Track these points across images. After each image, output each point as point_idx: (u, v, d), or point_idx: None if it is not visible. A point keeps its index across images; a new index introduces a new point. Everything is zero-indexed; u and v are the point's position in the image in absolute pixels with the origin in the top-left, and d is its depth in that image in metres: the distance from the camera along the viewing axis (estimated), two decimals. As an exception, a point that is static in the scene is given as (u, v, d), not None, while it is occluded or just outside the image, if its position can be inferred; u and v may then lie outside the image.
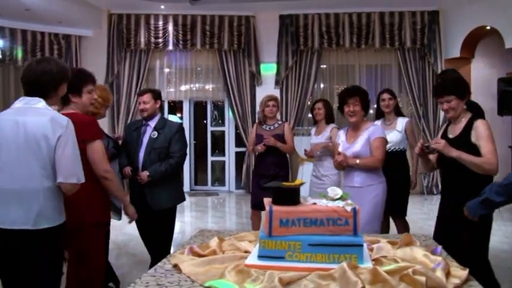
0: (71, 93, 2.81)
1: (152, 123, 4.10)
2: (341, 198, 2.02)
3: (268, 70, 9.75)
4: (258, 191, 5.00)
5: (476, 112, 3.67)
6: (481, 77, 9.41)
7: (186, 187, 9.89)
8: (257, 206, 5.07)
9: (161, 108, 9.80)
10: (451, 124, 3.20)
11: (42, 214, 2.31)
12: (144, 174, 3.92)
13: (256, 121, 5.17)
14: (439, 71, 9.24)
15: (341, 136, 3.81)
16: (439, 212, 3.29)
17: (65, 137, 2.37)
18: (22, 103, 2.42)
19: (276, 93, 9.53)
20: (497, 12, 8.16)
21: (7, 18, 8.21)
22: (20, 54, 9.17)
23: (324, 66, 9.89)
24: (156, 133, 4.04)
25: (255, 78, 9.67)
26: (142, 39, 9.64)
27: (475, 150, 2.94)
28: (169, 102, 10.35)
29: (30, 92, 2.42)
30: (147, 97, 4.10)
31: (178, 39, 9.66)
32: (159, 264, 2.07)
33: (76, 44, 9.71)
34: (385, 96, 4.60)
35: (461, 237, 2.89)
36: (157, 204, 3.98)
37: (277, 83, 9.63)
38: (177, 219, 4.31)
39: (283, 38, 9.60)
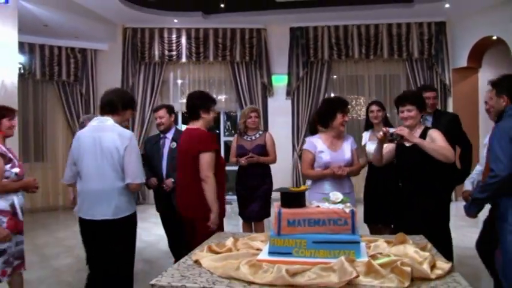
0: (202, 110, 3.49)
1: (169, 135, 4.51)
2: (341, 202, 2.27)
3: (280, 81, 9.99)
4: (244, 202, 4.97)
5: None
6: (489, 86, 9.54)
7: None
8: (245, 218, 5.02)
9: (176, 119, 10.10)
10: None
11: (118, 207, 3.10)
12: (169, 181, 4.24)
13: (237, 132, 5.11)
14: (447, 80, 9.43)
15: (318, 145, 3.79)
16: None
17: (130, 148, 3.11)
18: (96, 122, 3.19)
19: (288, 104, 9.85)
20: (503, 23, 8.33)
21: (27, 33, 8.51)
22: (38, 68, 9.48)
23: (334, 76, 10.11)
24: (174, 143, 4.41)
25: (267, 89, 9.91)
26: (156, 52, 9.92)
27: (429, 158, 3.23)
28: (183, 114, 10.60)
29: (103, 111, 3.20)
30: (162, 112, 4.51)
31: (192, 52, 9.92)
32: (181, 260, 2.33)
33: (92, 58, 10.01)
34: (374, 108, 4.68)
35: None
36: None
37: (288, 93, 9.85)
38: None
39: (294, 50, 9.84)
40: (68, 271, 5.16)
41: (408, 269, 1.89)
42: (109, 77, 9.90)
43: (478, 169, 3.87)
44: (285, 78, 9.93)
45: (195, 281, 1.96)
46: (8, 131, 3.54)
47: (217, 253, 2.31)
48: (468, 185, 3.83)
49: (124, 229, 3.16)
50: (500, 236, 2.92)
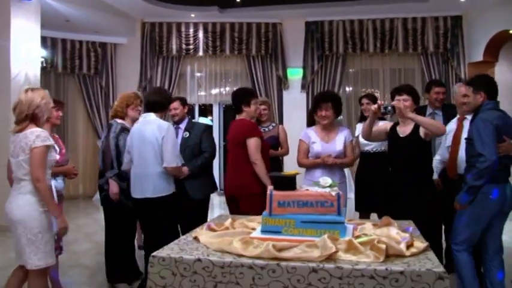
0: (243, 104, 4.08)
1: (182, 126, 4.68)
2: (330, 186, 2.45)
3: (295, 74, 10.10)
4: None
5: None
6: (505, 80, 9.49)
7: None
8: None
9: (192, 111, 10.34)
10: (399, 125, 3.64)
11: (157, 188, 3.68)
12: (185, 169, 4.39)
13: None
14: (462, 75, 9.41)
15: (312, 136, 4.11)
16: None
17: (166, 137, 3.67)
18: (142, 117, 3.87)
19: (303, 97, 9.94)
20: (520, 16, 8.25)
21: (49, 29, 8.79)
22: (60, 62, 9.79)
23: (351, 70, 10.18)
24: (187, 133, 4.60)
25: (282, 82, 10.03)
26: (174, 46, 10.12)
27: (424, 146, 3.43)
28: (200, 106, 10.81)
29: (148, 109, 3.84)
30: (176, 104, 4.69)
31: (208, 45, 10.09)
32: (182, 237, 2.55)
33: (111, 52, 10.28)
34: (364, 101, 4.94)
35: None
36: (196, 194, 4.49)
37: (303, 87, 9.95)
38: (208, 215, 4.73)
39: (309, 44, 9.93)
40: (86, 255, 5.43)
41: (383, 246, 2.05)
42: (128, 70, 10.17)
43: (437, 159, 4.17)
44: (300, 71, 10.02)
45: (192, 253, 2.16)
46: (55, 121, 3.87)
47: (215, 231, 2.51)
48: (435, 174, 4.09)
49: (163, 206, 3.72)
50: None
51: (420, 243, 2.24)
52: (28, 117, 2.99)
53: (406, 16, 9.62)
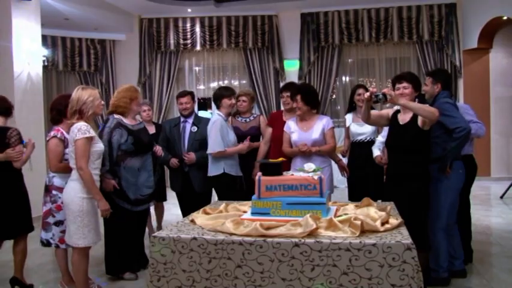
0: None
1: (190, 120, 4.87)
2: (314, 171, 2.66)
3: (291, 66, 10.25)
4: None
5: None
6: (500, 66, 9.66)
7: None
8: None
9: (204, 104, 10.55)
10: (400, 113, 3.72)
11: (211, 168, 4.51)
12: (192, 155, 4.64)
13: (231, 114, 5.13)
14: (457, 62, 9.56)
15: (292, 126, 4.33)
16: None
17: (210, 127, 4.45)
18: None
19: (299, 88, 10.03)
20: (513, 3, 8.35)
21: (49, 27, 8.96)
22: (60, 60, 9.97)
23: (350, 60, 10.33)
24: (195, 127, 4.81)
25: (279, 74, 10.19)
26: (171, 41, 10.29)
27: (422, 134, 3.52)
28: (199, 99, 10.97)
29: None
30: (188, 98, 4.88)
31: (206, 39, 10.26)
32: (180, 220, 2.76)
33: (110, 48, 10.47)
34: (361, 91, 4.95)
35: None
36: (200, 187, 4.74)
37: (300, 78, 10.08)
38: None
39: (305, 35, 10.07)
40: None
41: (358, 222, 2.26)
42: (127, 66, 10.37)
43: (380, 140, 4.45)
44: (297, 63, 10.17)
45: (188, 233, 2.36)
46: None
47: (210, 214, 2.72)
48: (376, 151, 4.41)
49: (217, 183, 4.53)
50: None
51: (395, 220, 2.43)
52: (76, 112, 3.40)
53: (401, 5, 9.75)
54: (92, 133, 3.36)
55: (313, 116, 4.33)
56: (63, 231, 3.70)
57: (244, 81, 10.46)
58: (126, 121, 4.07)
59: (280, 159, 2.74)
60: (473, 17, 9.42)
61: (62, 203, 3.62)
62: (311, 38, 10.03)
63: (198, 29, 10.28)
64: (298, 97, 4.22)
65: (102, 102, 3.61)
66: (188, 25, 10.29)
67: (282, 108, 5.03)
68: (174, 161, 4.83)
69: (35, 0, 7.17)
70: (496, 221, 6.22)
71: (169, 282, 2.28)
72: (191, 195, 4.78)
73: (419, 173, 3.58)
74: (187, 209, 4.88)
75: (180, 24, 10.29)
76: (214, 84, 10.55)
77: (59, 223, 3.75)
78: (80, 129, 3.32)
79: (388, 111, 3.93)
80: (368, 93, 3.52)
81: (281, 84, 10.08)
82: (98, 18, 9.39)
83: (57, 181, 3.75)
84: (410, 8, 9.77)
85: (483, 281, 3.88)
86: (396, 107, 3.83)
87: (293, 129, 4.30)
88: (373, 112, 3.93)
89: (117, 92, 4.23)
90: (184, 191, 4.89)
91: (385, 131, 4.27)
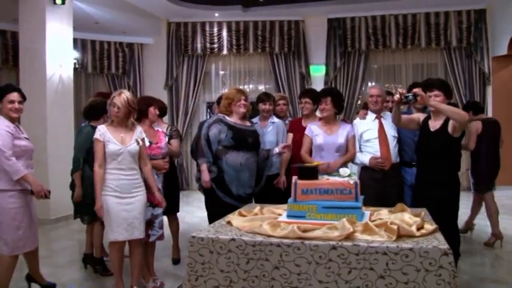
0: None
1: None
2: (349, 176, 2.71)
3: (318, 71, 10.26)
4: None
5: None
6: (529, 73, 9.49)
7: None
8: None
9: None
10: (430, 119, 3.69)
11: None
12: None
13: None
14: (486, 69, 9.43)
15: (315, 130, 4.32)
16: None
17: (282, 129, 4.71)
18: None
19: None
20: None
21: (79, 30, 9.14)
22: (90, 63, 10.17)
23: (373, 66, 10.29)
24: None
25: (305, 79, 10.20)
26: (198, 45, 10.41)
27: (452, 141, 3.51)
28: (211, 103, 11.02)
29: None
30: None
31: (232, 44, 10.35)
32: (216, 222, 2.79)
33: (138, 51, 10.66)
34: (390, 98, 4.83)
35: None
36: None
37: (326, 83, 10.08)
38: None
39: (332, 41, 10.08)
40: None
41: (395, 227, 2.27)
42: (154, 69, 10.52)
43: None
44: (323, 68, 10.18)
45: (226, 234, 2.41)
46: (154, 118, 4.18)
47: (245, 216, 2.78)
48: (365, 157, 4.27)
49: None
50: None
51: (430, 226, 2.44)
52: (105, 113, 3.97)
53: (429, 11, 9.68)
54: (98, 136, 3.55)
55: (336, 121, 4.39)
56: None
57: (270, 86, 10.48)
58: (230, 118, 4.18)
59: (317, 162, 2.76)
60: (503, 23, 9.29)
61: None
62: (337, 44, 10.03)
63: (225, 33, 10.37)
64: (328, 99, 4.26)
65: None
66: (215, 29, 10.39)
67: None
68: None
69: (68, 4, 7.35)
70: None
71: (206, 282, 2.32)
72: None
73: (449, 179, 3.57)
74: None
75: (207, 28, 10.40)
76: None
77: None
78: (97, 130, 3.60)
79: (418, 115, 3.94)
80: (398, 95, 3.53)
81: (308, 90, 10.15)
82: (126, 22, 9.57)
83: None
84: (438, 14, 9.69)
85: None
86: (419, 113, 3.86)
87: (316, 133, 4.30)
88: (404, 116, 3.94)
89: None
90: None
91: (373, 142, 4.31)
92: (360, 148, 4.33)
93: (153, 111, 4.11)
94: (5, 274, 3.54)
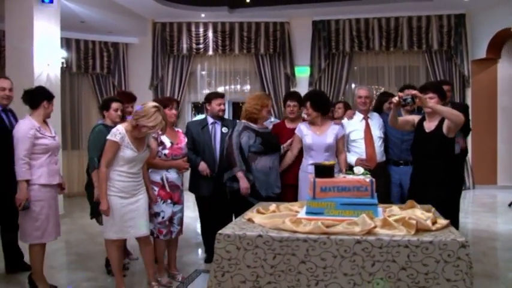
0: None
1: (219, 121, 4.86)
2: (363, 174, 2.84)
3: (302, 72, 10.39)
4: None
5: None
6: (507, 76, 9.86)
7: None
8: None
9: (203, 108, 10.59)
10: (425, 121, 3.82)
11: None
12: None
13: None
14: (466, 72, 9.73)
15: (304, 130, 4.43)
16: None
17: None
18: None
19: (310, 94, 10.18)
20: (522, 14, 8.52)
21: (64, 29, 9.00)
22: (74, 62, 10.05)
23: (357, 68, 10.49)
24: (226, 128, 4.80)
25: (290, 80, 10.33)
26: (184, 46, 10.40)
27: (447, 142, 3.63)
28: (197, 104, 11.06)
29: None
30: (223, 100, 4.88)
31: (218, 44, 10.39)
32: (237, 219, 2.89)
33: (123, 51, 10.58)
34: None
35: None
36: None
37: (310, 84, 10.22)
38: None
39: (316, 42, 10.22)
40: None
41: (414, 221, 2.41)
42: (140, 69, 10.47)
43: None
44: (308, 69, 10.31)
45: (252, 230, 2.49)
46: (172, 119, 4.21)
47: (264, 214, 2.86)
48: (352, 157, 4.54)
49: None
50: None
51: (443, 221, 2.58)
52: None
53: (411, 15, 9.92)
54: (117, 139, 3.50)
55: (325, 121, 4.46)
56: (161, 223, 4.00)
57: (255, 86, 10.54)
58: (253, 125, 4.31)
59: (333, 162, 2.86)
60: (482, 27, 9.60)
61: (158, 195, 3.97)
62: (322, 45, 10.18)
63: (210, 34, 10.40)
64: (308, 104, 4.38)
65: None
66: (201, 30, 10.41)
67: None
68: (204, 167, 4.64)
69: (56, 3, 7.27)
70: (505, 227, 6.36)
71: (233, 277, 2.39)
72: (221, 200, 4.63)
73: (445, 180, 3.68)
74: (208, 213, 4.88)
75: (193, 29, 10.41)
76: (225, 89, 10.61)
77: (156, 215, 4.00)
78: (113, 131, 3.57)
79: (413, 117, 4.05)
80: (397, 98, 3.66)
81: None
82: (112, 21, 9.50)
83: (152, 176, 4.03)
84: (420, 18, 9.94)
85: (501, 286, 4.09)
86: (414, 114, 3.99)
87: (306, 133, 4.40)
88: (400, 118, 4.08)
89: (249, 99, 4.46)
90: (214, 195, 4.72)
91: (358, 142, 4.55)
92: (347, 148, 4.49)
93: (168, 112, 4.10)
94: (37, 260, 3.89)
